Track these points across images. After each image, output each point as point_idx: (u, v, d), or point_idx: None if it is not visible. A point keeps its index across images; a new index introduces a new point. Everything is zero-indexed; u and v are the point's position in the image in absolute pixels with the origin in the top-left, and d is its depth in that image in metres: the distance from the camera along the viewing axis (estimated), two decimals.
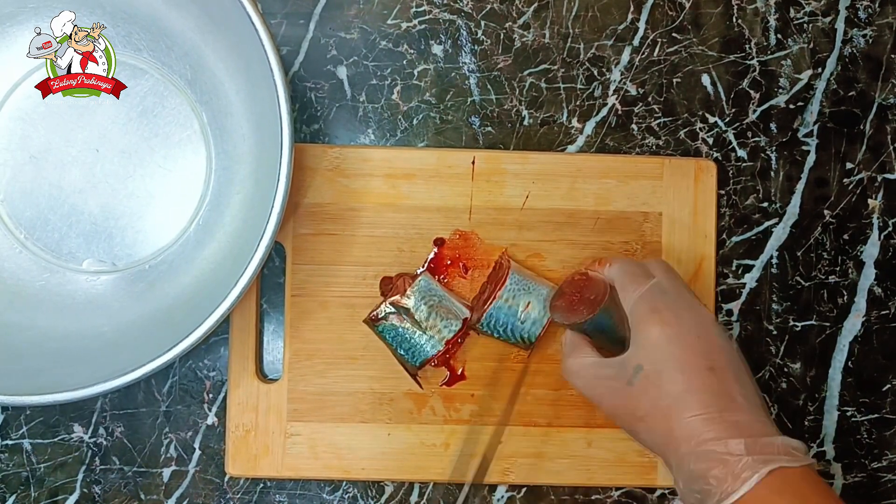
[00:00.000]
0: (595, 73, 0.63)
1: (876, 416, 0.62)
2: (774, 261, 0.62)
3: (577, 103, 0.63)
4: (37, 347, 0.56)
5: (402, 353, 0.57)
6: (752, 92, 0.63)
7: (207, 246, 0.59)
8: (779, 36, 0.63)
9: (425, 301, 0.57)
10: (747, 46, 0.63)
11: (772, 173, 0.63)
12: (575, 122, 0.63)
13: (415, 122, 0.62)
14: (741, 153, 0.63)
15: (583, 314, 0.53)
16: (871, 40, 0.64)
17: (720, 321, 0.52)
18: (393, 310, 0.57)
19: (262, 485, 0.61)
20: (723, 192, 0.62)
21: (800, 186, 0.63)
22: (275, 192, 0.50)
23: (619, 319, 0.52)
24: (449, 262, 0.60)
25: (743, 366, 0.49)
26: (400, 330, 0.57)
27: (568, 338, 0.55)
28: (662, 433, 0.47)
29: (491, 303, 0.57)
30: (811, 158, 0.63)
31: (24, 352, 0.55)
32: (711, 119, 0.63)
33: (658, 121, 0.63)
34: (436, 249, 0.60)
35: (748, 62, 0.63)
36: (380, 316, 0.57)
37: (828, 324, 0.62)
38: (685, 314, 0.50)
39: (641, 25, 0.63)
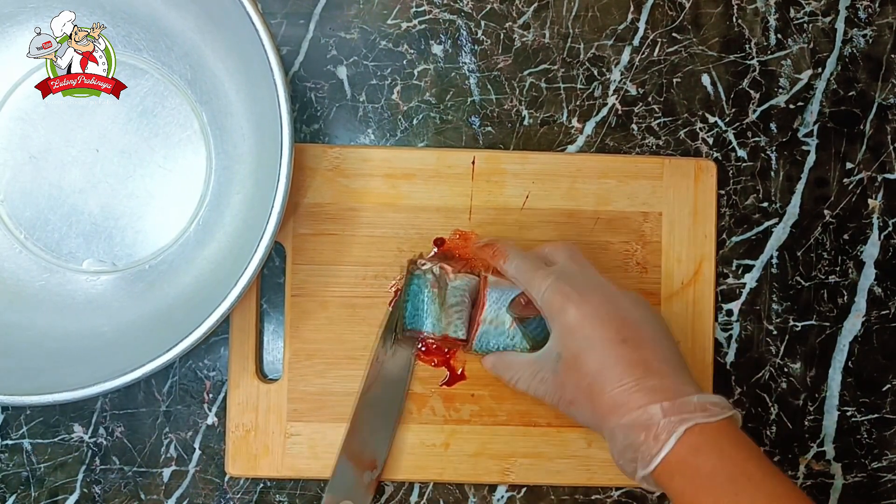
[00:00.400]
0: (595, 73, 0.63)
1: (876, 416, 0.62)
2: (774, 261, 0.62)
3: (577, 103, 0.63)
4: (37, 347, 0.56)
5: (407, 308, 0.56)
6: (752, 92, 0.63)
7: (207, 246, 0.59)
8: (779, 36, 0.63)
9: (461, 296, 0.56)
10: (747, 46, 0.63)
11: (772, 173, 0.63)
12: (575, 122, 0.63)
13: (415, 122, 0.62)
14: (741, 153, 0.63)
15: (536, 311, 0.53)
16: (871, 40, 0.64)
17: (633, 293, 0.53)
18: (438, 273, 0.56)
19: (262, 485, 0.61)
20: (723, 192, 0.62)
21: (800, 186, 0.63)
22: (275, 192, 0.50)
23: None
24: None
25: (659, 332, 0.50)
26: (425, 292, 0.56)
27: (493, 359, 0.56)
28: (591, 412, 0.49)
29: (476, 329, 0.56)
30: (811, 158, 0.63)
31: (24, 352, 0.55)
32: (711, 119, 0.63)
33: (658, 121, 0.63)
34: (436, 249, 0.60)
35: (748, 62, 0.63)
36: (422, 267, 0.56)
37: (828, 324, 0.62)
38: (592, 293, 0.51)
39: (641, 25, 0.63)
